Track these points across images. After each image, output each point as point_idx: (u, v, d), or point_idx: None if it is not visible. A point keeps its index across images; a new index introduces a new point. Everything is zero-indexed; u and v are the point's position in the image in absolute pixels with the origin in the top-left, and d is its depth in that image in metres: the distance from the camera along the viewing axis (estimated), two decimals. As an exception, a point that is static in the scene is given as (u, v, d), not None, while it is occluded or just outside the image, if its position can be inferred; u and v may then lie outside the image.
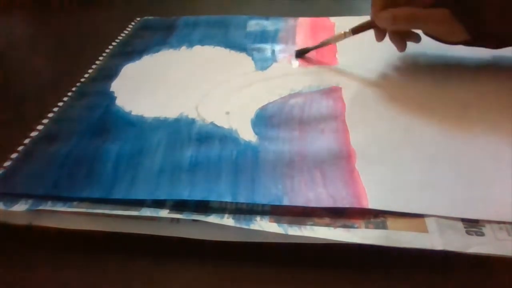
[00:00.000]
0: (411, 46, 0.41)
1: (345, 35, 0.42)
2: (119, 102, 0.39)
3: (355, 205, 0.27)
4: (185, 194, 0.29)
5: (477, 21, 0.36)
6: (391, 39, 0.41)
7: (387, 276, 0.25)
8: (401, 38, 0.41)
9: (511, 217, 0.26)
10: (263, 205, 0.28)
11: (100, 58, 0.48)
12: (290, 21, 0.53)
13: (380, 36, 0.41)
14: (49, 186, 0.30)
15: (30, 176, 0.31)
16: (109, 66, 0.46)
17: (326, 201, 0.28)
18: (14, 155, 0.33)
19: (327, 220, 0.27)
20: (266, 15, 0.54)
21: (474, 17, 0.36)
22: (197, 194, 0.29)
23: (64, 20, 0.60)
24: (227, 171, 0.30)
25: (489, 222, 0.26)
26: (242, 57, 0.45)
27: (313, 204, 0.27)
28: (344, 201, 0.27)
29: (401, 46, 0.41)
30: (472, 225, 0.26)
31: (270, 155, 0.32)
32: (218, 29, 0.52)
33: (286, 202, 0.28)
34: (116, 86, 0.42)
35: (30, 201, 0.29)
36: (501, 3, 0.36)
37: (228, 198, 0.28)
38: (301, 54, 0.45)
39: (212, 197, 0.28)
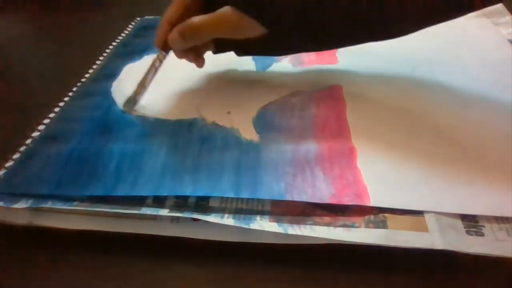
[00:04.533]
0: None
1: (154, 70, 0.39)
2: (120, 102, 0.39)
3: (357, 203, 0.27)
4: (188, 191, 0.29)
5: (265, 10, 0.34)
6: (187, 58, 0.39)
7: (387, 276, 0.25)
8: (198, 53, 0.39)
9: (509, 212, 0.26)
10: (263, 204, 0.28)
11: (101, 58, 0.48)
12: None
13: (179, 55, 0.39)
14: (51, 185, 0.30)
15: (32, 176, 0.31)
16: (109, 66, 0.46)
17: (328, 199, 0.28)
18: (15, 156, 0.34)
19: (327, 219, 0.27)
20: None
21: (261, 6, 0.34)
22: (200, 191, 0.29)
23: (64, 20, 0.60)
24: (229, 170, 0.30)
25: (489, 221, 0.26)
26: (243, 57, 0.45)
27: (315, 200, 0.28)
28: (346, 199, 0.28)
29: (200, 62, 0.40)
30: (472, 225, 0.26)
31: (272, 153, 0.32)
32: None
33: (288, 198, 0.28)
34: (117, 86, 0.42)
35: (30, 201, 0.29)
36: None
37: (230, 194, 0.28)
38: (131, 104, 0.38)
39: (215, 194, 0.28)
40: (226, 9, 0.34)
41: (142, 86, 0.38)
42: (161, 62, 0.39)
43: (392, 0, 0.32)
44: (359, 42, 0.37)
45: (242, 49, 0.40)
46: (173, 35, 0.36)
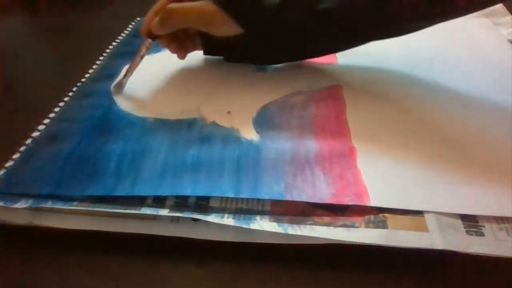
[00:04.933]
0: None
1: (141, 58, 0.41)
2: (120, 102, 0.39)
3: (357, 203, 0.27)
4: (188, 191, 0.29)
5: (240, 9, 0.36)
6: (170, 48, 0.41)
7: (387, 276, 0.25)
8: (180, 45, 0.41)
9: (509, 212, 0.26)
10: (263, 204, 0.28)
11: (101, 58, 0.48)
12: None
13: (162, 43, 0.41)
14: (51, 185, 0.30)
15: (32, 176, 0.31)
16: (109, 66, 0.46)
17: (328, 199, 0.28)
18: (15, 156, 0.33)
19: (327, 219, 0.27)
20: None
21: (236, 4, 0.36)
22: (200, 191, 0.29)
23: (64, 20, 0.60)
24: (229, 170, 0.30)
25: (489, 221, 0.26)
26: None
27: (315, 200, 0.28)
28: (346, 199, 0.28)
29: (181, 54, 0.42)
30: (472, 225, 0.26)
31: (272, 153, 0.32)
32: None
33: (288, 198, 0.28)
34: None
35: (30, 201, 0.29)
36: None
37: (231, 194, 0.28)
38: (119, 88, 0.41)
39: (215, 193, 0.28)
40: (206, 1, 0.36)
41: (129, 71, 0.41)
42: (147, 49, 0.41)
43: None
44: (342, 48, 0.39)
45: (229, 53, 0.40)
46: (154, 20, 0.38)
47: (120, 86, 0.41)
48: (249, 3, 0.36)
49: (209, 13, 0.36)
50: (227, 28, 0.37)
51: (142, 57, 0.41)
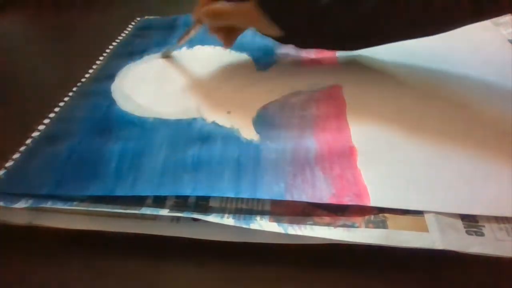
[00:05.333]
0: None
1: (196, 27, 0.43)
2: (120, 102, 0.39)
3: (357, 203, 0.27)
4: (188, 191, 0.29)
5: (282, 15, 0.36)
6: (218, 36, 0.41)
7: (387, 276, 0.25)
8: (227, 34, 0.41)
9: (509, 212, 0.26)
10: (263, 204, 0.28)
11: (101, 58, 0.48)
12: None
13: (210, 30, 0.41)
14: (51, 185, 0.30)
15: (32, 176, 0.31)
16: (109, 66, 0.46)
17: (328, 199, 0.28)
18: (15, 156, 0.33)
19: (327, 219, 0.27)
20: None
21: (278, 11, 0.36)
22: (200, 191, 0.29)
23: (64, 20, 0.60)
24: (229, 170, 0.30)
25: (489, 221, 0.26)
26: (243, 57, 0.45)
27: (315, 200, 0.28)
28: (346, 199, 0.28)
29: (227, 42, 0.42)
30: (472, 225, 0.26)
31: (272, 153, 0.32)
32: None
33: (288, 198, 0.28)
34: (117, 86, 0.42)
35: (30, 201, 0.29)
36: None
37: (231, 194, 0.28)
38: (167, 54, 0.46)
39: (215, 193, 0.28)
40: (250, 4, 0.36)
41: (178, 43, 0.46)
42: (196, 32, 0.43)
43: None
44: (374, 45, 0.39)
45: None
46: (203, 11, 0.39)
47: (169, 52, 0.46)
48: (291, 9, 0.36)
49: (253, 16, 0.36)
50: (271, 31, 0.37)
51: (189, 35, 0.44)
